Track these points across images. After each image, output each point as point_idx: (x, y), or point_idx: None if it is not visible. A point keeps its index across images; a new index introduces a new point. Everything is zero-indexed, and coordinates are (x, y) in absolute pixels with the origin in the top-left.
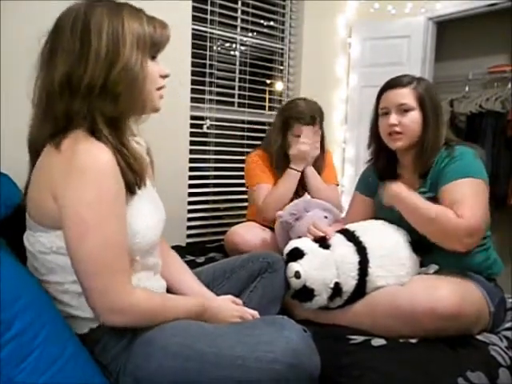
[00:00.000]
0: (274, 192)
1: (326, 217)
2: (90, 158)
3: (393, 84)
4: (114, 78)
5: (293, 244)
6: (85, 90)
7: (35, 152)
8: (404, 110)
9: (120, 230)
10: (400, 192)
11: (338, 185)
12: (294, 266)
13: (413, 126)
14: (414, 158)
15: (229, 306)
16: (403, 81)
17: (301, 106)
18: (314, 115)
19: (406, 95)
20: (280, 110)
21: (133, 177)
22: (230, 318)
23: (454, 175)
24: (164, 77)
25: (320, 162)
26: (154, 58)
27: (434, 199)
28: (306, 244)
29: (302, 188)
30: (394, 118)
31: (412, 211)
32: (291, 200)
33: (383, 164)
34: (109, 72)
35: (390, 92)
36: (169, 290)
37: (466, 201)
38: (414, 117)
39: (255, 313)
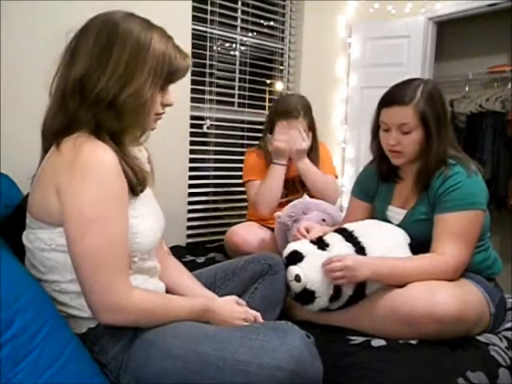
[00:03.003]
0: (260, 187)
1: (323, 219)
2: (94, 156)
3: (394, 100)
4: (123, 98)
5: (291, 247)
6: (93, 100)
7: (48, 141)
8: (405, 130)
9: (121, 229)
10: (372, 273)
11: (337, 177)
12: (293, 270)
13: (413, 147)
14: (416, 171)
15: (233, 307)
16: (405, 96)
17: (282, 102)
18: (295, 109)
19: (407, 115)
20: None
21: (135, 178)
22: (233, 319)
23: (452, 207)
24: (167, 105)
25: (314, 155)
26: (162, 89)
27: (427, 220)
28: (304, 246)
29: (301, 186)
30: (393, 139)
31: (399, 278)
32: (289, 200)
33: (386, 167)
34: (120, 91)
35: (391, 109)
36: (168, 293)
37: (455, 238)
38: (415, 137)
39: (258, 314)
